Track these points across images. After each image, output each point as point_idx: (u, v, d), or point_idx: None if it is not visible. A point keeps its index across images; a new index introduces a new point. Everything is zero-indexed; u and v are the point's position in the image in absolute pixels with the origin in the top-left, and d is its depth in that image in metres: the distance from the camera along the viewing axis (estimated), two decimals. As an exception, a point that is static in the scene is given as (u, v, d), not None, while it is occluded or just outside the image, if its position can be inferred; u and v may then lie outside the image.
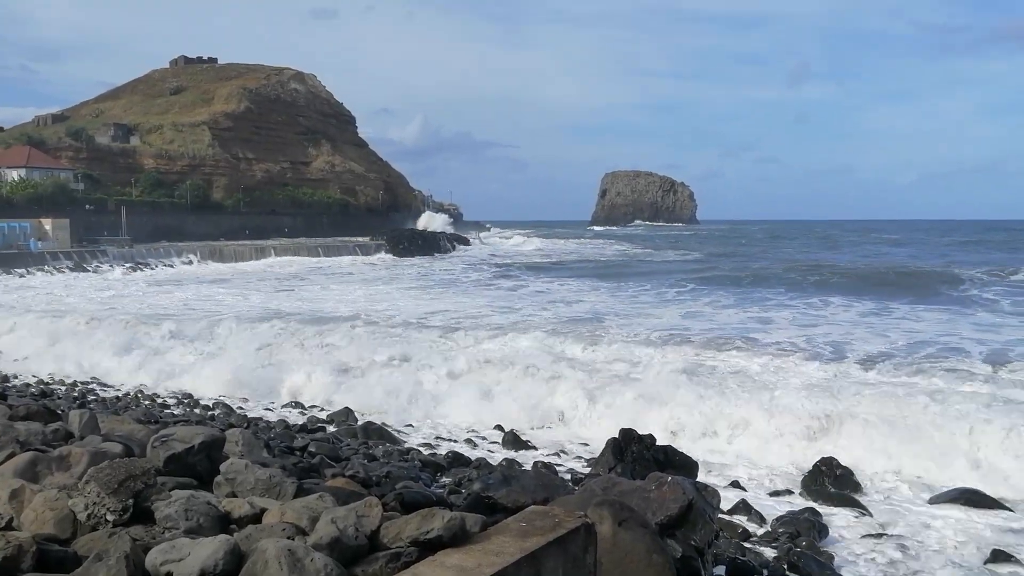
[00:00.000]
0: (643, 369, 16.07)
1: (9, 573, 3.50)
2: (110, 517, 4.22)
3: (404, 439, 12.11)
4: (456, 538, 3.88)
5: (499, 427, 13.00)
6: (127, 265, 58.02)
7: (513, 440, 12.15)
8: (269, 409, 14.66)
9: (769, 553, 7.35)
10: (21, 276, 48.89)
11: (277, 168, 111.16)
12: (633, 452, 9.09)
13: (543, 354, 17.92)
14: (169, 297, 36.57)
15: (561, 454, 11.60)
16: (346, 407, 14.02)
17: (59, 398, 14.11)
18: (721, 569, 6.21)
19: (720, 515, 7.94)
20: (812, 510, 8.75)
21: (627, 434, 9.32)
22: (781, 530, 8.02)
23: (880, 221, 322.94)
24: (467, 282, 45.57)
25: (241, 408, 14.42)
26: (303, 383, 15.95)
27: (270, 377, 16.47)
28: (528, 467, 9.76)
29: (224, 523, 4.34)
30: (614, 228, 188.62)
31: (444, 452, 10.90)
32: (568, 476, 9.66)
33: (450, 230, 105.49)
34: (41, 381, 16.77)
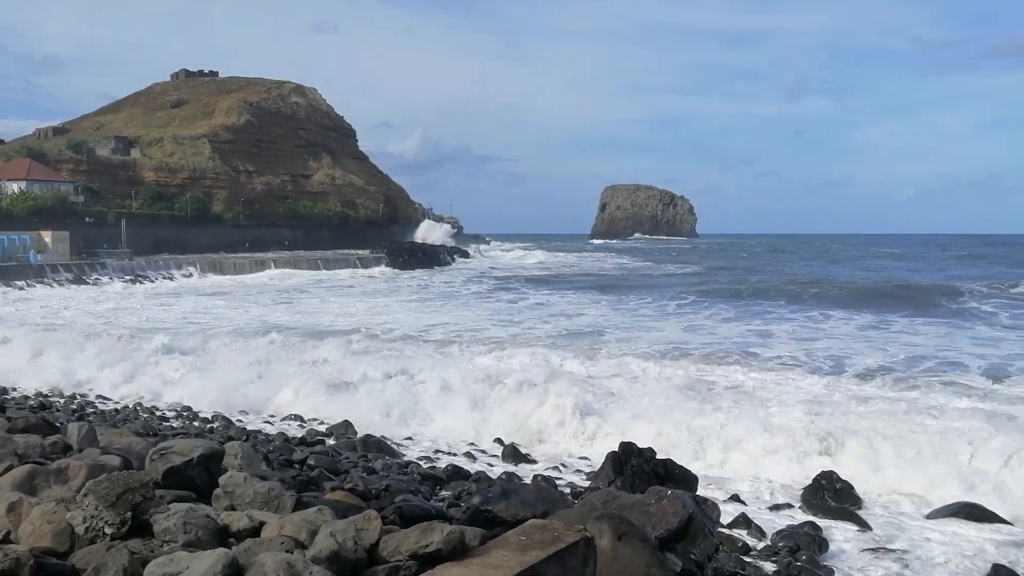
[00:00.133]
0: (642, 384, 16.07)
1: (7, 586, 3.49)
2: (108, 530, 4.21)
3: (403, 452, 12.09)
4: (455, 552, 3.87)
5: (499, 440, 12.97)
6: (127, 278, 58.00)
7: (513, 453, 12.12)
8: (268, 422, 14.62)
9: (769, 567, 7.32)
10: (21, 288, 48.85)
11: (277, 181, 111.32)
12: (633, 466, 9.08)
13: (542, 368, 17.91)
14: (167, 310, 36.56)
15: (561, 467, 11.57)
16: (345, 420, 13.98)
17: (58, 411, 14.08)
18: (721, 583, 6.19)
19: (720, 529, 7.92)
20: (812, 524, 8.72)
21: (627, 448, 9.31)
22: (781, 544, 7.99)
23: (879, 235, 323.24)
24: (467, 294, 45.60)
25: (240, 421, 14.39)
26: (291, 399, 15.78)
27: (258, 393, 16.26)
28: (528, 480, 9.73)
29: (223, 536, 4.33)
30: (614, 241, 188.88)
31: (443, 465, 10.87)
32: (568, 490, 9.63)
33: (451, 241, 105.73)
34: (40, 393, 16.74)
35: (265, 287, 52.75)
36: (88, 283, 55.06)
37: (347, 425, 13.71)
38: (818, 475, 10.13)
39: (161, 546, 4.14)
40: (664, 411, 13.17)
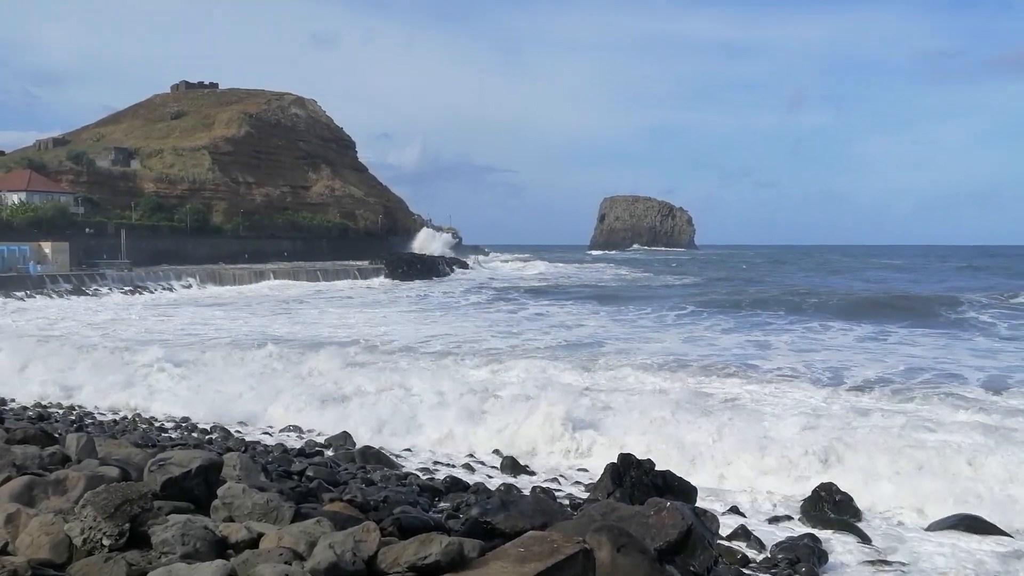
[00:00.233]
0: (640, 396, 16.06)
1: (4, 598, 3.48)
2: (106, 542, 4.20)
3: (402, 464, 12.06)
4: (454, 563, 3.87)
5: (497, 452, 12.95)
6: (126, 289, 57.97)
7: (511, 465, 12.10)
8: (267, 433, 14.60)
9: (768, 579, 7.31)
10: (20, 299, 48.84)
11: (277, 192, 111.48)
12: (632, 477, 9.06)
13: (541, 379, 17.90)
14: (166, 321, 36.53)
15: (560, 479, 11.55)
16: (344, 431, 13.96)
17: (56, 421, 14.06)
18: (720, 596, 6.17)
19: (719, 541, 7.90)
20: (812, 536, 8.70)
21: (626, 459, 9.30)
22: (780, 556, 7.97)
23: (878, 246, 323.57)
24: (466, 305, 45.61)
25: (239, 432, 14.36)
26: (282, 413, 15.70)
27: (253, 405, 16.18)
28: (526, 492, 9.71)
29: (221, 548, 4.33)
30: (613, 252, 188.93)
31: (442, 477, 10.85)
32: (567, 501, 9.61)
33: (450, 252, 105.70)
34: (39, 404, 16.72)
35: (264, 298, 52.75)
36: (87, 294, 55.03)
37: (346, 436, 13.69)
38: (817, 487, 10.11)
39: (159, 557, 4.13)
40: (660, 424, 13.16)
